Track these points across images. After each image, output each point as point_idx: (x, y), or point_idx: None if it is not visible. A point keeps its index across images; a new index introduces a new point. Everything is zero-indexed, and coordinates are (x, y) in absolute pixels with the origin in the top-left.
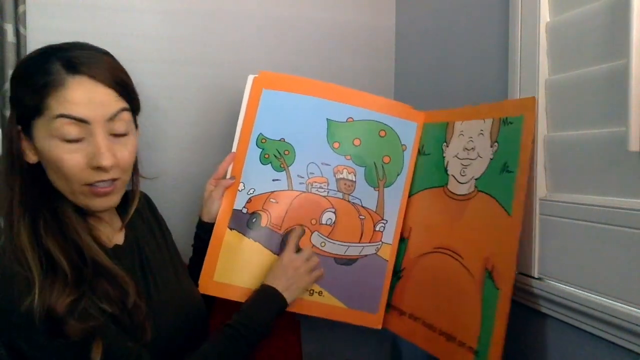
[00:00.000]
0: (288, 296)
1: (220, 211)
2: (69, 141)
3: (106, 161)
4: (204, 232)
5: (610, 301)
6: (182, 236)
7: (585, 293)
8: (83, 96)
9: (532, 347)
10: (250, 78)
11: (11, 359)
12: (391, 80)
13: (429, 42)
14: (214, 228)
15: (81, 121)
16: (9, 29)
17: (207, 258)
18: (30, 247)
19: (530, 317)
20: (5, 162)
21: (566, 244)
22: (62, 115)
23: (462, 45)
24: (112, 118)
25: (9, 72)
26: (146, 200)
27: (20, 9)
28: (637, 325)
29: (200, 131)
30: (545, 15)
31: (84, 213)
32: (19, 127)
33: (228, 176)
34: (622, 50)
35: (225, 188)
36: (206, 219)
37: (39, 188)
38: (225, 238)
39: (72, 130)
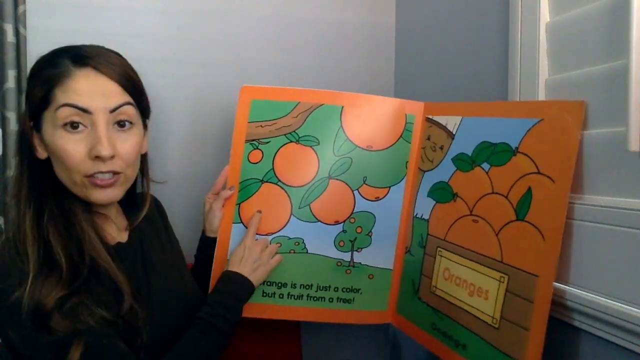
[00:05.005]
0: (254, 280)
1: (221, 228)
2: (73, 131)
3: (105, 151)
4: (207, 247)
5: (611, 301)
6: (181, 237)
7: (585, 293)
8: (87, 86)
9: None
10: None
11: (5, 347)
12: (391, 80)
13: (429, 42)
14: (216, 250)
15: (84, 111)
16: (9, 29)
17: (213, 274)
18: (32, 238)
19: None
20: (16, 158)
21: (565, 244)
22: (65, 105)
23: (462, 45)
24: (114, 110)
25: (9, 72)
26: (156, 205)
27: (20, 9)
28: (637, 326)
29: (201, 131)
30: (545, 15)
31: (91, 211)
32: (31, 123)
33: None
34: (622, 50)
35: (225, 199)
36: (209, 233)
37: (47, 183)
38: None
39: (76, 120)
